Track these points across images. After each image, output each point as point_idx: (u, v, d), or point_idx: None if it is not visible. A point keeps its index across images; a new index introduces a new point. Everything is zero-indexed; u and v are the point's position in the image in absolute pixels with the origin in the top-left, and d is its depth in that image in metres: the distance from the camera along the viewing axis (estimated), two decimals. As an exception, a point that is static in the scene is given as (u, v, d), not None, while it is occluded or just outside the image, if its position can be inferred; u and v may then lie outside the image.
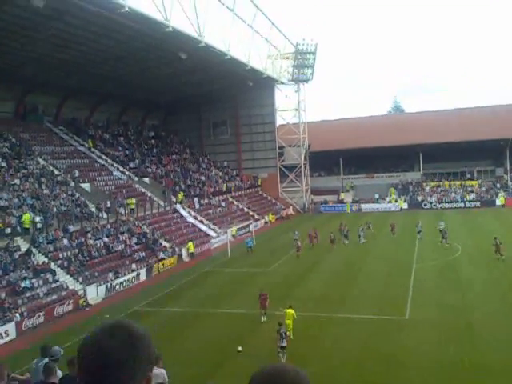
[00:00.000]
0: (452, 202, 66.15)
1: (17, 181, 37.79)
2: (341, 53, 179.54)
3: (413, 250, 38.51)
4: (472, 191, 67.22)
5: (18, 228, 32.61)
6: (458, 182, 69.59)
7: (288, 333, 19.98)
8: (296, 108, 70.04)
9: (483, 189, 67.45)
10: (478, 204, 64.43)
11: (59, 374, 8.02)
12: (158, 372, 9.28)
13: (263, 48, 59.53)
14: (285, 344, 18.74)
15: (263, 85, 64.28)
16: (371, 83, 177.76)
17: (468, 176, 71.13)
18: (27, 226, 32.81)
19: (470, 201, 65.47)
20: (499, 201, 63.81)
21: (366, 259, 36.79)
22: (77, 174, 44.08)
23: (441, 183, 70.32)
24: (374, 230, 46.92)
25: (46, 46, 38.78)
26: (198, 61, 47.67)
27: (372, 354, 19.27)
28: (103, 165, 50.19)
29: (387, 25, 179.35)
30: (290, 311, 21.44)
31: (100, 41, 39.64)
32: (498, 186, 67.68)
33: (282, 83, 68.35)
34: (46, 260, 31.46)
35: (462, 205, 65.00)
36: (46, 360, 8.80)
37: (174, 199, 50.75)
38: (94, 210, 39.89)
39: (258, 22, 54.57)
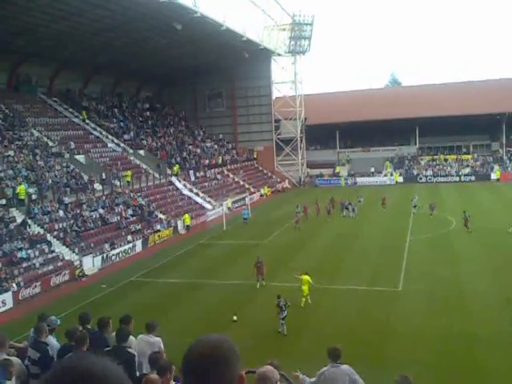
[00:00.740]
0: (447, 175, 66.42)
1: (11, 152, 37.55)
2: (338, 25, 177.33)
3: (407, 223, 38.78)
4: (467, 165, 67.40)
5: (14, 199, 32.60)
6: (453, 156, 69.72)
7: (303, 298, 21.59)
8: (292, 80, 69.46)
9: (478, 163, 67.63)
10: (472, 178, 64.71)
11: (54, 343, 8.10)
12: (154, 340, 9.39)
13: (259, 19, 58.72)
14: (285, 315, 18.89)
15: (259, 56, 63.55)
16: (369, 56, 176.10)
17: (464, 150, 71.20)
18: (22, 198, 32.77)
19: (465, 175, 65.71)
20: (494, 175, 64.05)
21: (361, 232, 37.06)
22: (71, 145, 43.84)
23: (436, 157, 70.41)
24: (361, 204, 47.00)
25: (39, 16, 38.01)
26: (193, 32, 46.95)
27: (365, 325, 19.57)
28: (98, 137, 49.89)
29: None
30: (306, 277, 21.99)
31: (94, 11, 38.84)
32: (491, 159, 67.82)
33: (279, 55, 67.58)
34: (42, 231, 31.53)
35: (457, 179, 65.28)
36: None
37: (169, 172, 50.68)
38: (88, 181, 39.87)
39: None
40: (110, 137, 50.72)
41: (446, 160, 69.23)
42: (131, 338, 8.00)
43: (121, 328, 7.83)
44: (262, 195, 60.34)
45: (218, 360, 1.79)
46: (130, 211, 39.60)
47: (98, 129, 50.97)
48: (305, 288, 21.73)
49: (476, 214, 40.82)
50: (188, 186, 51.23)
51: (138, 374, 7.22)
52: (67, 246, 31.49)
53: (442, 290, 23.36)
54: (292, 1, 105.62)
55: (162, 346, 9.09)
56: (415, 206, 43.26)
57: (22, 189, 32.79)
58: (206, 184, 54.38)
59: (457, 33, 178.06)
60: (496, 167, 65.69)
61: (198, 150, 61.87)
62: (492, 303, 21.25)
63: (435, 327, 18.89)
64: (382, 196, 47.47)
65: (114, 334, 8.07)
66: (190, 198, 49.11)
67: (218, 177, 58.47)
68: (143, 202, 42.18)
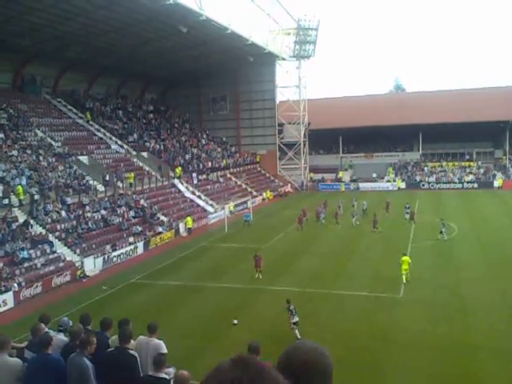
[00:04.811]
0: (450, 182, 66.29)
1: (14, 152, 37.68)
2: (343, 30, 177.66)
3: (409, 230, 38.69)
4: (470, 172, 67.30)
5: (17, 199, 32.68)
6: (456, 163, 69.61)
7: (406, 275, 24.95)
8: (296, 85, 69.50)
9: (481, 170, 67.53)
10: (475, 185, 64.54)
11: (59, 338, 8.08)
12: (155, 343, 9.34)
13: (265, 23, 58.80)
14: (297, 319, 18.79)
15: (264, 60, 63.64)
16: (373, 62, 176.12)
17: (467, 157, 71.08)
18: (21, 198, 32.81)
19: (467, 182, 65.58)
20: (497, 182, 63.91)
21: (363, 237, 36.99)
22: (75, 146, 43.94)
23: (439, 164, 70.32)
24: (342, 211, 45.84)
25: (44, 17, 38.18)
26: (198, 35, 47.14)
27: (365, 331, 19.52)
28: (101, 138, 49.99)
29: (391, 3, 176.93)
30: (406, 258, 25.51)
31: (100, 12, 39.05)
32: (494, 167, 67.67)
33: (283, 59, 67.62)
34: (44, 231, 31.59)
35: (460, 186, 65.13)
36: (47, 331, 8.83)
37: (172, 174, 50.71)
38: (91, 182, 39.92)
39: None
40: (113, 138, 50.83)
41: (449, 166, 69.15)
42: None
43: (123, 329, 7.81)
44: (264, 199, 60.32)
45: (324, 369, 1.80)
46: (132, 213, 39.64)
47: (102, 130, 51.09)
48: (405, 267, 25.02)
49: (478, 221, 40.96)
50: (190, 188, 51.26)
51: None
52: (69, 247, 31.53)
53: (442, 297, 23.31)
54: (297, 5, 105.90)
55: (165, 349, 8.94)
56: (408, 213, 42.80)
57: (19, 189, 32.81)
58: (209, 187, 54.40)
59: (461, 40, 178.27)
60: (499, 175, 65.56)
61: (201, 153, 61.94)
62: (492, 311, 21.18)
63: (435, 335, 18.84)
64: (386, 201, 47.29)
65: (114, 336, 8.06)
66: (192, 200, 49.13)
67: (221, 180, 58.50)
68: (145, 204, 42.22)
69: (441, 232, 34.70)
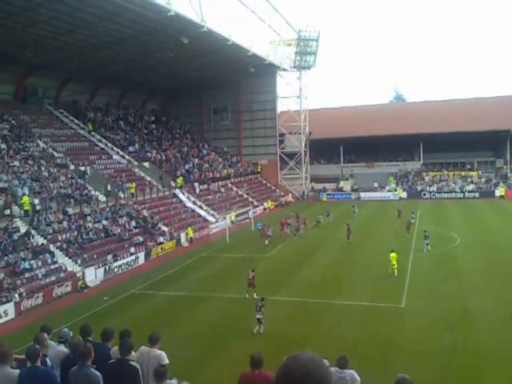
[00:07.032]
0: (451, 192, 66.20)
1: (16, 163, 37.77)
2: (344, 41, 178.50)
3: (411, 239, 38.61)
4: (471, 182, 67.23)
5: (18, 209, 32.69)
6: (457, 173, 69.56)
7: (392, 270, 27.92)
8: (297, 95, 69.79)
9: (482, 180, 67.45)
10: (476, 195, 64.44)
11: (59, 350, 8.04)
12: (155, 354, 9.30)
13: (266, 34, 59.25)
14: (260, 316, 20.10)
15: (265, 71, 63.97)
16: (374, 72, 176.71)
17: (468, 167, 71.03)
18: (27, 209, 32.86)
19: (469, 191, 65.49)
20: (498, 192, 63.77)
21: (365, 247, 36.89)
22: (77, 156, 44.02)
23: (440, 173, 70.31)
24: (332, 218, 48.39)
25: (46, 29, 38.41)
26: (199, 46, 47.41)
27: (368, 341, 19.40)
28: (103, 148, 50.13)
29: (391, 14, 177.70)
30: (394, 254, 28.21)
31: (102, 24, 39.27)
32: (495, 176, 67.58)
33: (284, 70, 68.01)
34: (45, 242, 31.56)
35: (461, 195, 65.05)
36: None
37: (173, 184, 50.76)
38: (93, 193, 39.94)
39: (260, 8, 54.26)
40: (115, 149, 50.96)
41: (449, 176, 69.10)
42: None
43: (125, 340, 7.74)
44: (265, 209, 60.32)
45: (322, 380, 1.82)
46: (133, 223, 39.64)
47: (104, 141, 51.23)
48: (394, 262, 27.84)
49: (480, 231, 40.90)
50: (192, 198, 51.27)
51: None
52: (70, 257, 31.49)
53: (445, 306, 23.18)
54: (298, 16, 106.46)
55: (166, 360, 8.92)
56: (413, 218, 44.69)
57: (25, 200, 32.89)
58: (210, 197, 54.41)
59: (461, 49, 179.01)
60: (500, 184, 65.46)
61: (203, 163, 62.02)
62: (496, 320, 21.05)
63: (439, 344, 18.71)
64: (398, 208, 48.41)
65: (115, 347, 8.01)
66: (193, 210, 49.12)
67: (222, 190, 58.54)
68: (147, 214, 42.22)
69: (426, 244, 34.59)
